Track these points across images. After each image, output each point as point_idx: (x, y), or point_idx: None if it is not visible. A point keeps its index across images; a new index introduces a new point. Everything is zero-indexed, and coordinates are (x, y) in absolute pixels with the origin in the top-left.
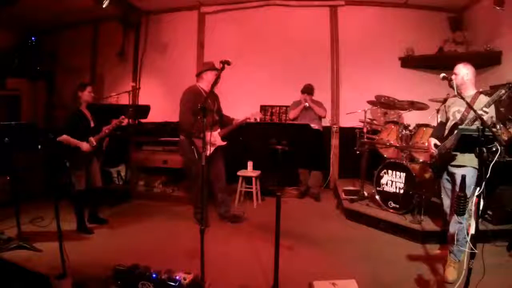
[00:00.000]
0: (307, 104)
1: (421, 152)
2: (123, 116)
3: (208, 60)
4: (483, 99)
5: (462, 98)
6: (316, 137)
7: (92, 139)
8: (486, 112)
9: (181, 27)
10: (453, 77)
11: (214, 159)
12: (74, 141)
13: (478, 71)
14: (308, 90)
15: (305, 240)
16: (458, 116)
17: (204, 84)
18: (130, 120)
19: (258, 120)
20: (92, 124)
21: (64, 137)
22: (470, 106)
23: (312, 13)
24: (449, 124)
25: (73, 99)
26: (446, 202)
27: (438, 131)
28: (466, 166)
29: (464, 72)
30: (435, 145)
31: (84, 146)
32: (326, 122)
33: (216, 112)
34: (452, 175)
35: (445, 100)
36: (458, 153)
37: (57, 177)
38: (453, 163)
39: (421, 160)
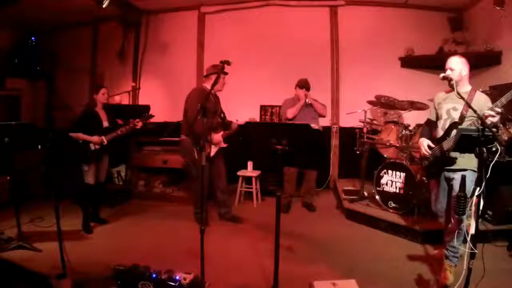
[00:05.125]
0: (308, 100)
1: None
2: (137, 120)
3: (210, 62)
4: (481, 97)
5: (462, 97)
6: (316, 137)
7: (103, 137)
8: (499, 113)
9: (181, 27)
10: (447, 72)
11: (215, 159)
12: (85, 136)
13: (478, 71)
14: (306, 85)
15: (305, 240)
16: (455, 114)
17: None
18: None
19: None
20: (105, 124)
21: (78, 134)
22: (470, 106)
23: (312, 13)
24: (443, 123)
25: (90, 100)
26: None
27: (428, 130)
28: (466, 170)
29: (460, 66)
30: (429, 147)
31: (95, 139)
32: (326, 122)
33: (219, 115)
34: (448, 180)
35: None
36: (457, 156)
37: (57, 177)
38: (451, 167)
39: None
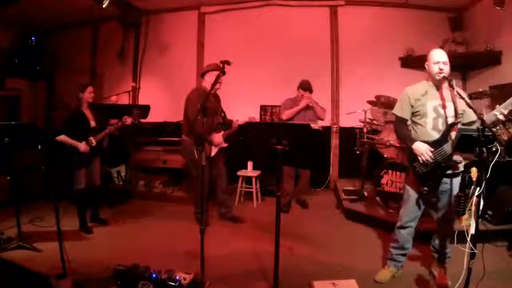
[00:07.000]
0: (310, 103)
1: None
2: (126, 116)
3: (210, 61)
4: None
5: (462, 97)
6: (316, 138)
7: (91, 139)
8: (504, 114)
9: (181, 27)
10: (441, 66)
11: (216, 159)
12: (71, 141)
13: (478, 71)
14: (309, 87)
15: (305, 240)
16: (443, 112)
17: (207, 85)
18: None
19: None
20: (93, 124)
21: (62, 137)
22: (471, 107)
23: (312, 13)
24: (434, 122)
25: (76, 100)
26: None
27: (408, 131)
28: (462, 173)
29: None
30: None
31: (81, 146)
32: (326, 122)
33: (219, 114)
34: (445, 186)
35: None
36: (460, 160)
37: (56, 177)
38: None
39: None
